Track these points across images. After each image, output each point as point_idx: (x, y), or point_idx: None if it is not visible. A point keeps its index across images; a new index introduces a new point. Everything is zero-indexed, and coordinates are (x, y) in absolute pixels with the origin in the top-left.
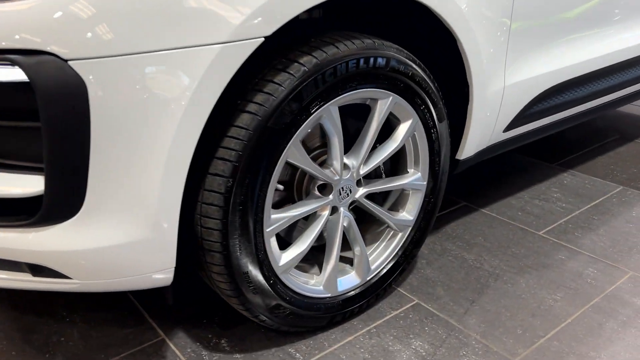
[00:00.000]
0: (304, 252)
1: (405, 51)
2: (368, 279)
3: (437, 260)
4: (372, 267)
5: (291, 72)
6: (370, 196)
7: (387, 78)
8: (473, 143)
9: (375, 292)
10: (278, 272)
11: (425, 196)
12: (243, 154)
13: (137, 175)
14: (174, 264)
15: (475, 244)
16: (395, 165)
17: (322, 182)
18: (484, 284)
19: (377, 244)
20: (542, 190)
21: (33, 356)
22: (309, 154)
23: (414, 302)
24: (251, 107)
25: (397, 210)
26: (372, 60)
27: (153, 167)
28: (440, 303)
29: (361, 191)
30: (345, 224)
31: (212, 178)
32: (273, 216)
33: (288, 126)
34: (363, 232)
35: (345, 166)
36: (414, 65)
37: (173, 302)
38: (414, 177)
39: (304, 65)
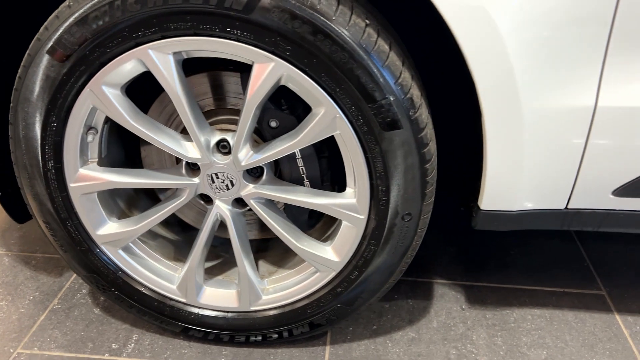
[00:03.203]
0: (136, 231)
1: None
2: (252, 309)
3: (435, 347)
4: (265, 297)
5: None
6: (287, 206)
7: (251, 30)
8: (513, 188)
9: (258, 330)
10: (97, 240)
11: (363, 237)
12: (23, 81)
13: None
14: None
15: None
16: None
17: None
18: None
19: (291, 271)
20: None
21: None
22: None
23: None
24: (42, 28)
25: (325, 241)
26: None
27: None
28: None
29: (250, 189)
30: (231, 222)
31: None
32: (84, 172)
33: (75, 61)
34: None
35: (223, 147)
36: (320, 16)
37: (19, 221)
38: (343, 201)
39: None
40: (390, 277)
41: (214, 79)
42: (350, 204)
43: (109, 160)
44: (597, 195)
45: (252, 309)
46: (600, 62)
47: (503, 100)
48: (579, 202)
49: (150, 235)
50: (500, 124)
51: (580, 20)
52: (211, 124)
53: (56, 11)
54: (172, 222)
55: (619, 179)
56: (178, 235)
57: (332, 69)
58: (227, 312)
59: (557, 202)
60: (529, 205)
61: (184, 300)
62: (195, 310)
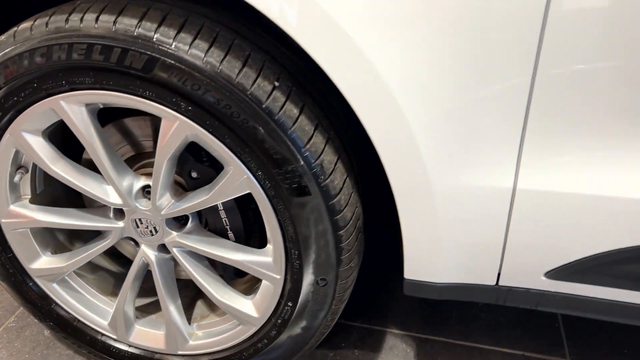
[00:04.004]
0: (66, 267)
1: (205, 47)
2: (180, 353)
3: None
4: (192, 342)
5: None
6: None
7: (152, 89)
8: (433, 261)
9: None
10: (31, 274)
11: (281, 297)
12: None
13: None
14: None
15: None
16: None
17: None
18: None
19: (220, 318)
20: None
21: None
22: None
23: None
24: None
25: (249, 294)
26: (118, 52)
27: None
28: None
29: (173, 237)
30: (155, 267)
31: None
32: (14, 208)
33: None
34: None
35: (148, 192)
36: (221, 79)
37: None
38: (260, 259)
39: (14, 37)
40: (312, 339)
41: (156, 121)
42: (267, 262)
43: (48, 196)
44: (528, 276)
45: (180, 352)
46: (518, 142)
47: (410, 175)
48: (510, 281)
49: (90, 268)
50: (411, 199)
51: (492, 96)
52: (148, 165)
53: None
54: (118, 254)
55: (550, 262)
56: (122, 267)
57: (234, 132)
58: (155, 352)
59: (486, 279)
60: (455, 278)
61: (114, 336)
62: (125, 347)
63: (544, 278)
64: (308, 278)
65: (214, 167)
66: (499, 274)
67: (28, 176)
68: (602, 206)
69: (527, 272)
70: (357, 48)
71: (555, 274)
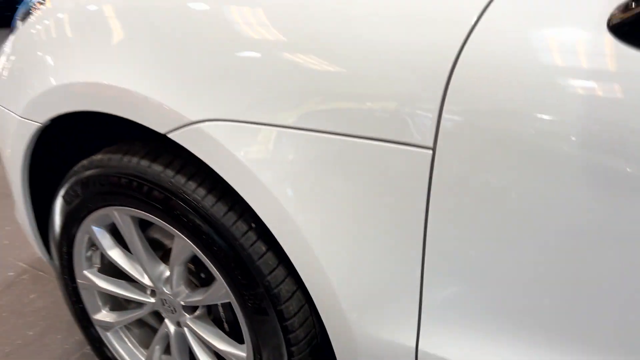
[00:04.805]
0: (115, 323)
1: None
2: None
3: None
4: None
5: (81, 165)
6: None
7: (166, 217)
8: None
9: None
10: (94, 323)
11: None
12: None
13: None
14: None
15: None
16: None
17: None
18: None
19: None
20: None
21: None
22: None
23: None
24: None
25: None
26: (147, 187)
27: None
28: None
29: (185, 319)
30: (172, 337)
31: None
32: (86, 273)
33: (74, 207)
34: None
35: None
36: (209, 216)
37: None
38: (238, 353)
39: (91, 162)
40: None
41: None
42: (242, 356)
43: (114, 267)
44: None
45: None
46: (417, 307)
47: (336, 320)
48: None
49: (138, 324)
50: (339, 337)
51: (393, 260)
52: None
53: (73, 169)
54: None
55: None
56: None
57: (216, 257)
58: None
59: None
60: None
61: None
62: None
63: None
64: None
65: None
66: None
67: (98, 252)
68: None
69: None
70: (286, 212)
71: None
